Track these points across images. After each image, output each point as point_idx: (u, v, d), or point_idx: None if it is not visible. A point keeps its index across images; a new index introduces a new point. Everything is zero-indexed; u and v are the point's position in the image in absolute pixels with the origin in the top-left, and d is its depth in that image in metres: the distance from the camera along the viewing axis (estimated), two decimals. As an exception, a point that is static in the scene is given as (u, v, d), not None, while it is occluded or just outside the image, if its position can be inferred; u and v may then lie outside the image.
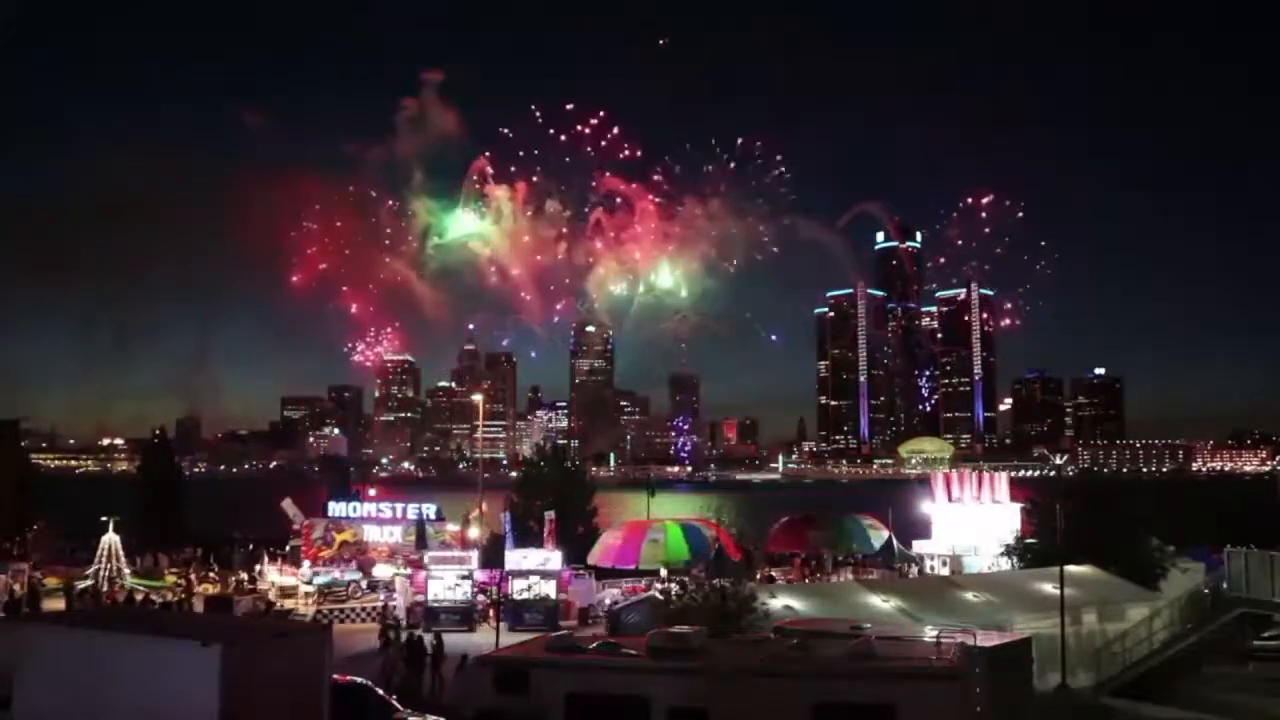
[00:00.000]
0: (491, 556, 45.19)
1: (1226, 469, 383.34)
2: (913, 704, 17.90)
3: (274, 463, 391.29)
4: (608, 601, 41.73)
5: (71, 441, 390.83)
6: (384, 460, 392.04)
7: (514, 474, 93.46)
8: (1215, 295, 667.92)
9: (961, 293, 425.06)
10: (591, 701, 18.91)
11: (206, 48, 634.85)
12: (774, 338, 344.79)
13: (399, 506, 47.73)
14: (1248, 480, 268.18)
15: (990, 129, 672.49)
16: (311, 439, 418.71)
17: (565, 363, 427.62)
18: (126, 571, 43.23)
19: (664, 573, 43.16)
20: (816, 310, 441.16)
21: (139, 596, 40.90)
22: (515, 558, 41.82)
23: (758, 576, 43.76)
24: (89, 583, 41.80)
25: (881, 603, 29.77)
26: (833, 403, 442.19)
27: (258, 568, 47.08)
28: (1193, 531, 48.27)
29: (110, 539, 42.85)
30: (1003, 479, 52.89)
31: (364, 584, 43.06)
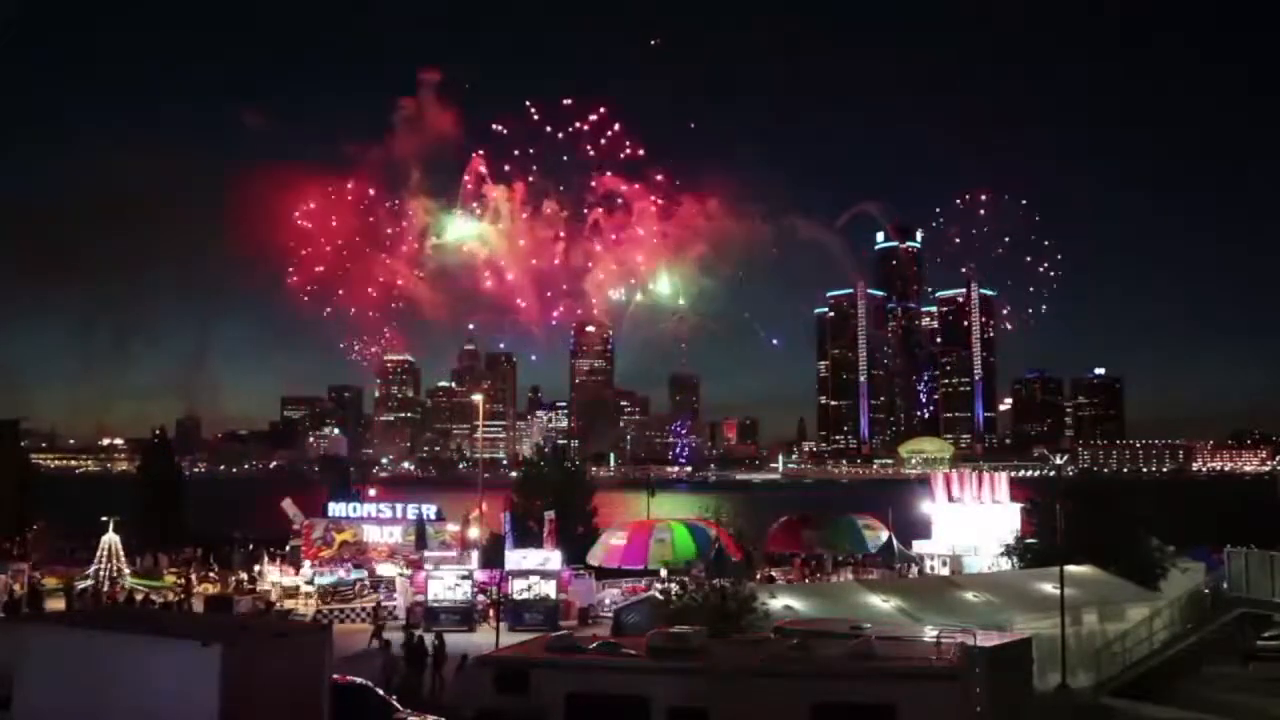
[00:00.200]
0: (491, 556, 45.20)
1: (1226, 469, 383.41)
2: (913, 704, 17.89)
3: (274, 463, 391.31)
4: (607, 601, 41.76)
5: (71, 441, 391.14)
6: (384, 460, 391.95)
7: (514, 474, 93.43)
8: (1215, 295, 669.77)
9: (961, 293, 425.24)
10: (591, 701, 18.91)
11: (206, 48, 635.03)
12: (775, 341, 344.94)
13: (399, 506, 47.74)
14: (1248, 480, 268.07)
15: (990, 129, 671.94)
16: (311, 439, 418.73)
17: (565, 363, 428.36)
18: (126, 571, 43.26)
19: (664, 573, 43.12)
20: (816, 310, 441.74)
21: (139, 596, 40.91)
22: (515, 558, 41.84)
23: (758, 576, 43.74)
24: (89, 583, 41.82)
25: (881, 603, 29.77)
26: (833, 403, 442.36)
27: (257, 568, 47.08)
28: (1193, 531, 48.28)
29: (110, 539, 42.87)
30: (1003, 479, 52.90)
31: (369, 583, 43.08)
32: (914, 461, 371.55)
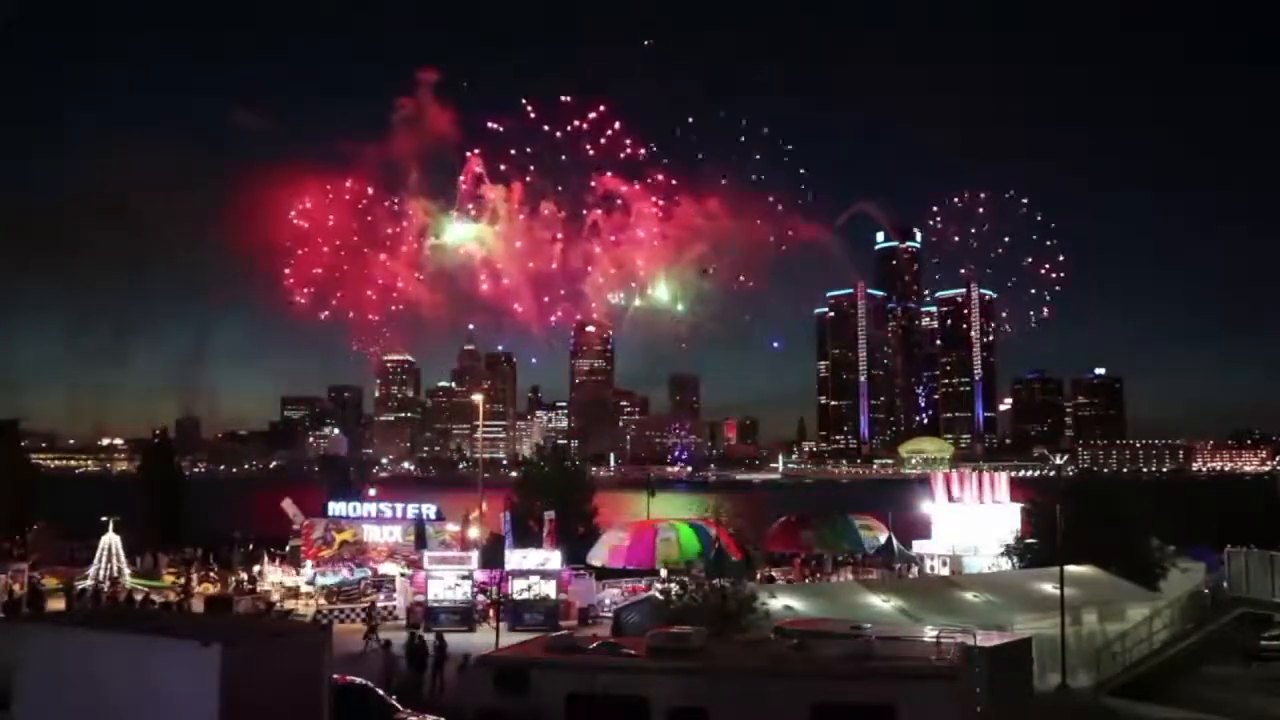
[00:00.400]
0: (491, 556, 45.16)
1: (1226, 469, 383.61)
2: (912, 704, 17.88)
3: (274, 463, 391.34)
4: (607, 601, 41.75)
5: (71, 441, 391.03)
6: (384, 460, 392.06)
7: (514, 474, 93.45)
8: (1215, 295, 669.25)
9: (961, 293, 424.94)
10: (591, 701, 18.91)
11: (206, 48, 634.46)
12: (775, 344, 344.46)
13: (399, 506, 47.68)
14: (1248, 480, 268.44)
15: (990, 129, 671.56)
16: (311, 439, 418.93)
17: (565, 363, 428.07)
18: (126, 571, 43.26)
19: (664, 573, 43.12)
20: (816, 310, 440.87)
21: (139, 596, 40.91)
22: (515, 558, 41.81)
23: (758, 576, 43.75)
24: (89, 583, 41.81)
25: (881, 603, 29.78)
26: (833, 403, 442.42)
27: (257, 568, 47.08)
28: (1193, 531, 48.30)
29: (110, 539, 42.88)
30: (1003, 479, 52.91)
31: (373, 583, 43.06)
32: (914, 461, 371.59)
